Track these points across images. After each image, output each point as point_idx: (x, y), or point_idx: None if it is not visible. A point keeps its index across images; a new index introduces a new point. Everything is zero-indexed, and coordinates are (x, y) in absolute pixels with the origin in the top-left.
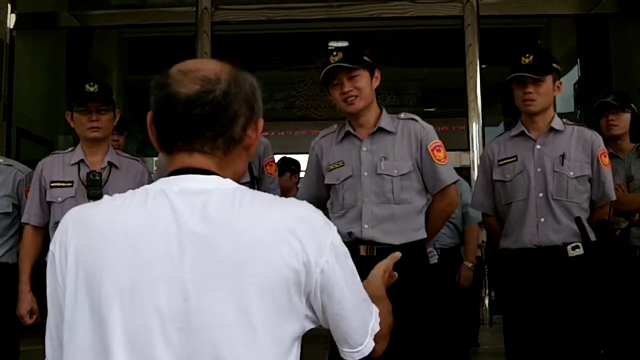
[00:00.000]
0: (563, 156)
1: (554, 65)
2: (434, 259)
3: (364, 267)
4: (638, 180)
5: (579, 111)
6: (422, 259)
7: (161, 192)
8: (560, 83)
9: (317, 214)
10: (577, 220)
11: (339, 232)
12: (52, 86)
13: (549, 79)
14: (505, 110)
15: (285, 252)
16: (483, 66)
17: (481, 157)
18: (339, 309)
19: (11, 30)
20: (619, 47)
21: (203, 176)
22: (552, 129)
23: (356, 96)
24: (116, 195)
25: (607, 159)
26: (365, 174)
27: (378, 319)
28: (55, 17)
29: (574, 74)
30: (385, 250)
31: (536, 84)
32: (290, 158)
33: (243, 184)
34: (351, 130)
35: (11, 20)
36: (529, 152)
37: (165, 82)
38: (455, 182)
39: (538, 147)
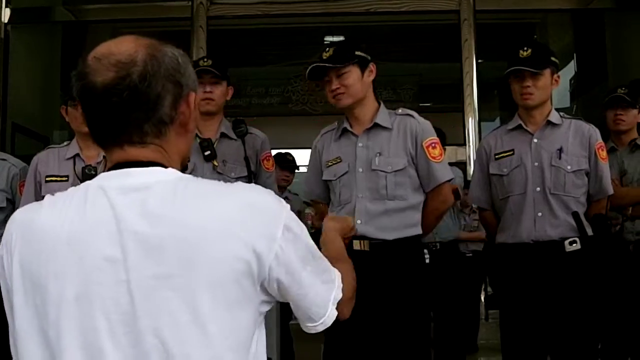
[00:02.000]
0: (560, 150)
1: (552, 58)
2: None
3: (357, 262)
4: (631, 175)
5: (575, 106)
6: (416, 255)
7: (100, 190)
8: (558, 77)
9: (266, 196)
10: (575, 215)
11: None
12: (47, 81)
13: (547, 72)
14: (501, 105)
15: (233, 245)
16: (479, 61)
17: (477, 151)
18: (297, 289)
19: (6, 24)
20: (616, 42)
21: (142, 169)
22: (549, 123)
23: (343, 93)
24: (58, 195)
25: (604, 153)
26: (360, 170)
27: (340, 285)
28: (50, 12)
29: (570, 69)
30: (378, 245)
31: (534, 78)
32: (280, 153)
33: (240, 178)
34: (348, 127)
35: (6, 14)
36: (526, 146)
37: (83, 71)
38: (449, 181)
39: (535, 141)
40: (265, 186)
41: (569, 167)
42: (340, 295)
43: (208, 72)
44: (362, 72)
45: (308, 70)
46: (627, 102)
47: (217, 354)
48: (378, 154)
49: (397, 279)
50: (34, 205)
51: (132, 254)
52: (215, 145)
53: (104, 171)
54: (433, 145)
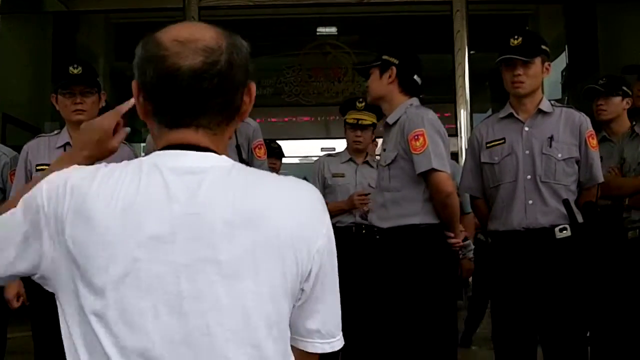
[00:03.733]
0: (551, 138)
1: (543, 47)
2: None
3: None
4: (629, 164)
5: (566, 97)
6: (411, 243)
7: (155, 168)
8: (549, 65)
9: (316, 195)
10: (565, 203)
11: None
12: (38, 72)
13: (537, 61)
14: (493, 97)
15: (284, 236)
16: (471, 52)
17: (469, 140)
18: (320, 290)
19: None
20: (607, 33)
21: (200, 153)
22: (540, 111)
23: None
24: (111, 167)
25: (594, 141)
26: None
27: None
28: (42, 2)
29: (562, 61)
30: (374, 231)
31: (525, 66)
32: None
33: None
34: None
35: None
36: (517, 135)
37: (160, 54)
38: (436, 170)
39: (526, 129)
40: None
41: (559, 155)
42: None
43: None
44: (381, 74)
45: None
46: (604, 92)
47: (259, 342)
48: (383, 150)
49: (391, 267)
50: (86, 170)
51: (181, 235)
52: None
53: None
54: (416, 137)
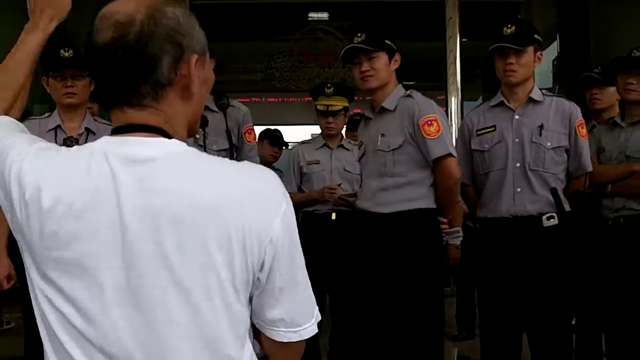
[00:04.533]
0: (541, 127)
1: (535, 36)
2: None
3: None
4: (609, 152)
5: (557, 87)
6: (419, 227)
7: (103, 156)
8: (541, 54)
9: (271, 183)
10: (553, 191)
11: None
12: None
13: (530, 50)
14: (484, 85)
15: (232, 225)
16: (463, 40)
17: (460, 127)
18: (280, 280)
19: None
20: (599, 23)
21: (149, 139)
22: (531, 100)
23: (371, 75)
24: (72, 151)
25: (584, 130)
26: (370, 151)
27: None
28: None
29: (553, 50)
30: (371, 215)
31: (517, 55)
32: (270, 129)
33: (221, 151)
34: (368, 113)
35: None
36: (507, 122)
37: (90, 30)
38: (450, 155)
39: (517, 117)
40: (248, 159)
41: (548, 144)
42: (319, 317)
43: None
44: (390, 59)
45: (343, 51)
46: (599, 81)
47: (210, 335)
48: (382, 135)
49: (393, 250)
50: (59, 154)
51: (131, 227)
52: None
53: (86, 143)
54: (429, 122)
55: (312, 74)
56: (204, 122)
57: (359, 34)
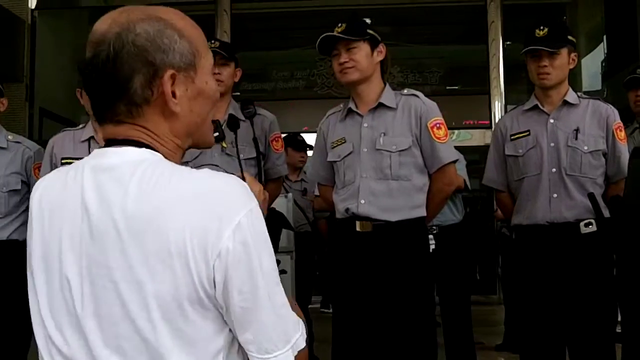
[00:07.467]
0: (577, 130)
1: (569, 37)
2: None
3: (360, 243)
4: None
5: (606, 88)
6: (420, 238)
7: (81, 167)
8: (576, 56)
9: (227, 194)
10: (590, 196)
11: (337, 209)
12: (74, 66)
13: (564, 51)
14: (528, 88)
15: (176, 234)
16: (507, 43)
17: (493, 132)
18: (240, 300)
19: (32, 10)
20: None
21: (118, 149)
22: (566, 103)
23: (351, 67)
24: (62, 169)
25: (622, 134)
26: (365, 149)
27: (304, 335)
28: None
29: (600, 51)
30: (380, 226)
31: (551, 57)
32: (289, 135)
33: (249, 159)
34: (353, 107)
35: (32, 0)
36: (542, 127)
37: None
38: (454, 162)
39: (551, 121)
40: (275, 167)
41: (585, 148)
42: (302, 345)
43: (216, 54)
44: (372, 50)
45: (318, 41)
46: None
47: (151, 353)
48: (382, 134)
49: (401, 262)
50: (56, 178)
51: (85, 236)
52: (223, 127)
53: None
54: (438, 125)
55: None
56: (235, 126)
57: (339, 24)
